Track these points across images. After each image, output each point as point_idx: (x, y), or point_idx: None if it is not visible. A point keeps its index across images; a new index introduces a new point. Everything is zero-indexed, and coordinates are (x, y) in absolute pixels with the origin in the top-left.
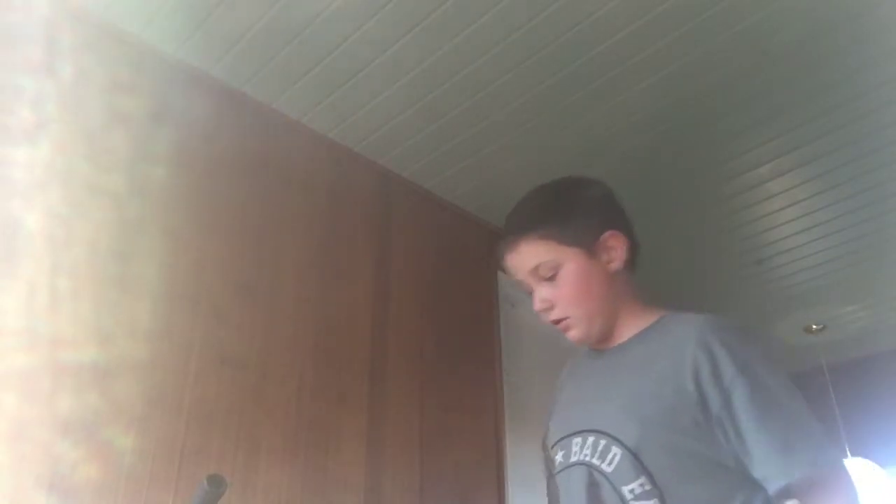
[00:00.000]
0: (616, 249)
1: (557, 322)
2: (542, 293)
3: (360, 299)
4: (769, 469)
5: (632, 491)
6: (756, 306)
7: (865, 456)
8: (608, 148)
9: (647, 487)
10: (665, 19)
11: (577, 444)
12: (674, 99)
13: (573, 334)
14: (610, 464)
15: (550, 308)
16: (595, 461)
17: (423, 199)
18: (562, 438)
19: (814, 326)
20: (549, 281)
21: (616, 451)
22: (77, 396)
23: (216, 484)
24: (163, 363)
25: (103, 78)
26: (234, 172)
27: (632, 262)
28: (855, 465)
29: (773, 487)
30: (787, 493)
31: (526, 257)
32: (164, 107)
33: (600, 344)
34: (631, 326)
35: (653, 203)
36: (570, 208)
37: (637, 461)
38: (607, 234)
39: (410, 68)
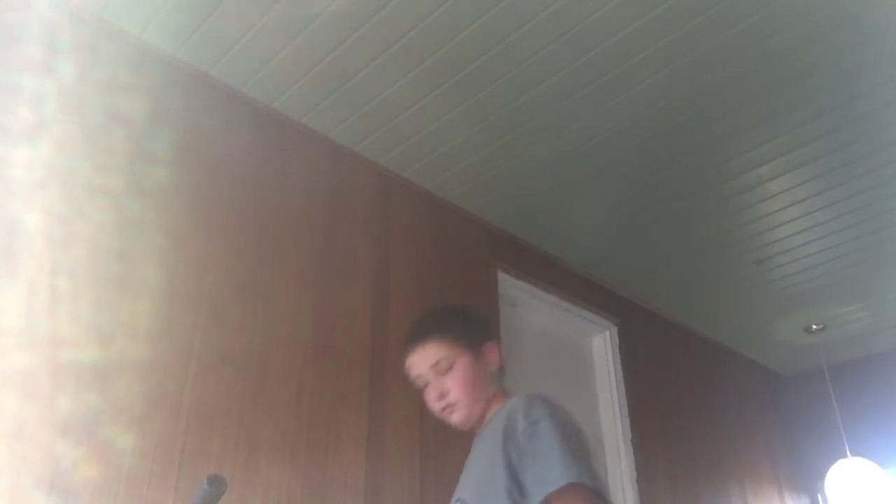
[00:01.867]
0: (493, 356)
1: (445, 408)
2: (439, 383)
3: (360, 299)
4: (539, 482)
5: None
6: (756, 306)
7: (865, 456)
8: (608, 148)
9: None
10: (665, 19)
11: None
12: (674, 99)
13: (456, 417)
14: None
15: (444, 396)
16: None
17: (423, 199)
18: (455, 501)
19: (814, 326)
20: (445, 374)
21: None
22: (77, 396)
23: (216, 484)
24: (163, 363)
25: (103, 78)
26: (235, 172)
27: (501, 369)
28: (855, 465)
29: (538, 497)
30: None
31: (430, 353)
32: (164, 107)
33: (476, 427)
34: (490, 415)
35: (653, 203)
36: (464, 322)
37: None
38: (489, 343)
39: (410, 68)
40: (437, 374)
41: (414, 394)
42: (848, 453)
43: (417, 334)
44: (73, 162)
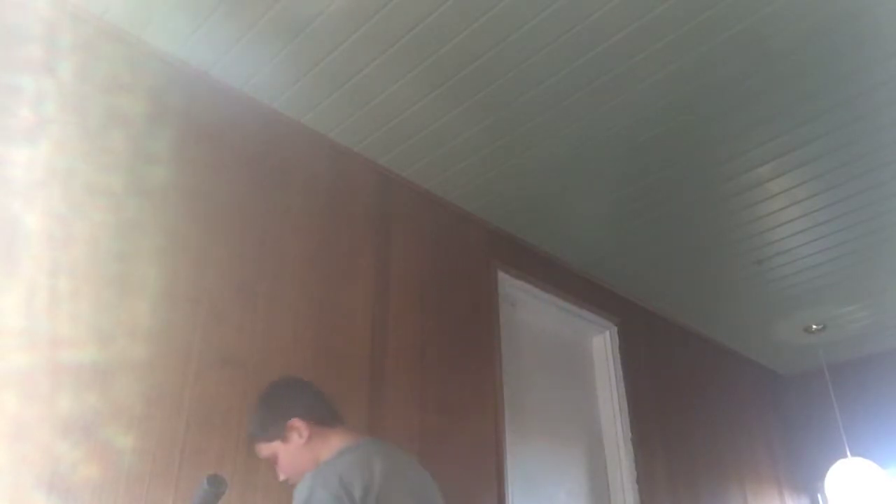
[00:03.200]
0: (300, 430)
1: (285, 481)
2: (278, 471)
3: (360, 299)
4: None
5: None
6: (756, 306)
7: (865, 456)
8: (607, 148)
9: None
10: (665, 19)
11: None
12: (673, 99)
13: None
14: None
15: (286, 479)
16: None
17: (423, 199)
18: None
19: (814, 326)
20: (277, 463)
21: None
22: (77, 396)
23: (216, 484)
24: (163, 363)
25: (103, 78)
26: (234, 172)
27: (320, 423)
28: (855, 465)
29: None
30: None
31: (262, 452)
32: (164, 107)
33: None
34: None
35: (653, 203)
36: (265, 414)
37: None
38: (291, 422)
39: (410, 68)
40: (274, 464)
41: (414, 394)
42: (848, 453)
43: (248, 435)
44: (73, 162)
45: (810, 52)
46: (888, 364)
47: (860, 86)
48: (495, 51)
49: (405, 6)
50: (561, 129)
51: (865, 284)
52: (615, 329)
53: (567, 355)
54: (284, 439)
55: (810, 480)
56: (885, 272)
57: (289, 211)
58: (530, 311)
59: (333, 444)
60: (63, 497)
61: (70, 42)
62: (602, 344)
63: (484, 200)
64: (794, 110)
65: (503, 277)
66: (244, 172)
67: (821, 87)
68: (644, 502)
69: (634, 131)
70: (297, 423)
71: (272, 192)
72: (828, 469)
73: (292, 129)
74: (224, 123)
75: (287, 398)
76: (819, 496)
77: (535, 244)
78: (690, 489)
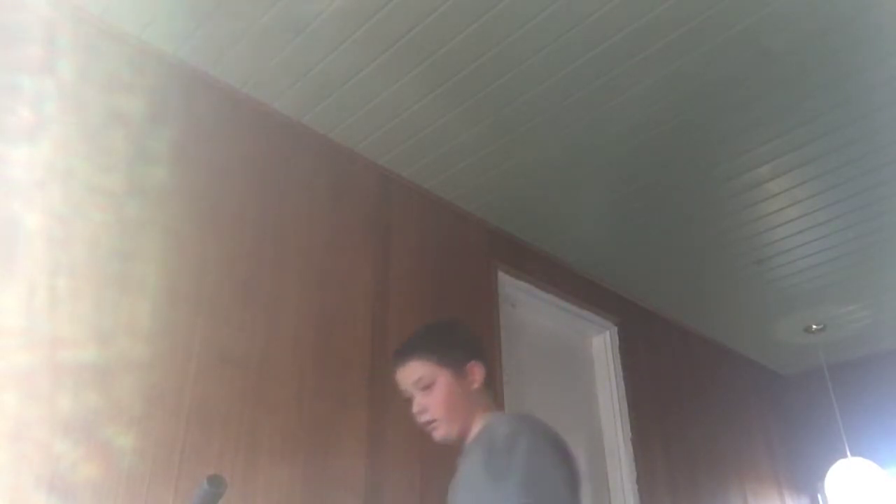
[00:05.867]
0: (476, 375)
1: (427, 424)
2: (420, 399)
3: (360, 299)
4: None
5: None
6: (756, 306)
7: (865, 456)
8: (607, 148)
9: None
10: (665, 19)
11: None
12: (673, 99)
13: (436, 434)
14: None
15: (424, 411)
16: None
17: (423, 199)
18: None
19: (814, 326)
20: (426, 390)
21: None
22: (77, 396)
23: (216, 484)
24: (163, 363)
25: (103, 78)
26: (234, 172)
27: (486, 383)
28: (855, 465)
29: None
30: None
31: (411, 370)
32: (164, 107)
33: (460, 444)
34: (473, 432)
35: (653, 203)
36: (447, 341)
37: None
38: (471, 363)
39: (410, 68)
40: (419, 390)
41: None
42: (848, 453)
43: (403, 351)
44: (72, 162)
45: (810, 53)
46: (888, 364)
47: (860, 86)
48: (495, 51)
49: (405, 6)
50: (561, 129)
51: (865, 284)
52: (615, 329)
53: (567, 355)
54: (458, 374)
55: (810, 480)
56: (885, 272)
57: (289, 211)
58: (530, 312)
59: (489, 407)
60: (63, 497)
61: (70, 42)
62: (602, 344)
63: (484, 200)
64: (794, 110)
65: (503, 277)
66: (244, 172)
67: (820, 87)
68: (644, 502)
69: (634, 131)
70: (478, 366)
71: (272, 192)
72: (828, 469)
73: (292, 129)
74: (224, 123)
75: (475, 341)
76: (819, 496)
77: (535, 244)
78: (690, 489)
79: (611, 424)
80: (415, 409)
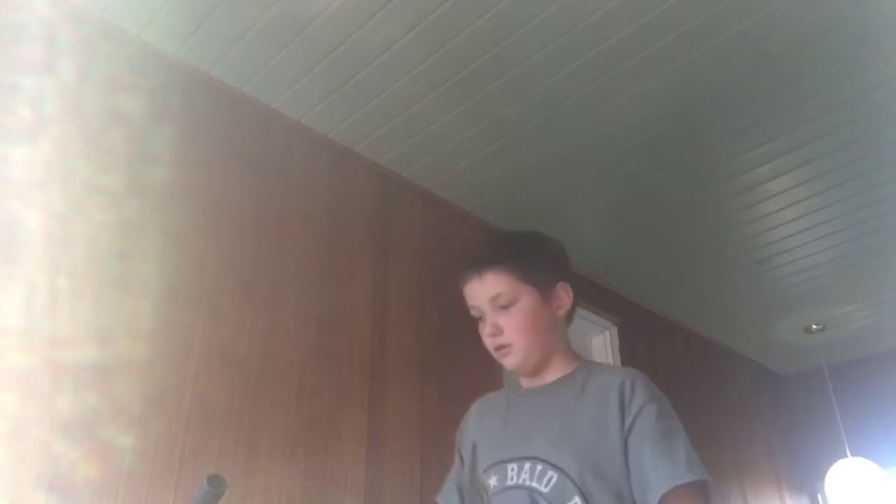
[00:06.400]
0: (564, 299)
1: (499, 348)
2: (496, 319)
3: (360, 299)
4: (656, 478)
5: None
6: (756, 306)
7: (865, 456)
8: (607, 148)
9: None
10: (665, 19)
11: (512, 470)
12: (674, 99)
13: (509, 360)
14: (546, 485)
15: (499, 334)
16: (534, 484)
17: (423, 199)
18: (494, 464)
19: (814, 326)
20: (504, 310)
21: (552, 474)
22: (77, 396)
23: (216, 484)
24: (163, 363)
25: (103, 78)
26: (234, 172)
27: (571, 314)
28: (855, 465)
29: (655, 494)
30: (664, 501)
31: (489, 285)
32: (164, 107)
33: (529, 377)
34: (556, 370)
35: (653, 203)
36: (535, 255)
37: (571, 482)
38: (560, 284)
39: (410, 68)
40: (495, 308)
41: (414, 393)
42: (848, 453)
43: (480, 260)
44: (72, 162)
45: (810, 53)
46: (888, 364)
47: (860, 86)
48: (495, 51)
49: (405, 6)
50: (561, 129)
51: (865, 284)
52: (615, 329)
53: None
54: (545, 296)
55: (810, 480)
56: (885, 272)
57: (289, 211)
58: None
59: (569, 345)
60: (63, 497)
61: (70, 42)
62: (602, 344)
63: (484, 200)
64: (794, 110)
65: None
66: (244, 172)
67: (820, 87)
68: None
69: (634, 131)
70: (567, 289)
71: (272, 192)
72: (828, 469)
73: (292, 129)
74: (224, 123)
75: (566, 259)
76: (819, 496)
77: None
78: None
79: None
80: (487, 329)
